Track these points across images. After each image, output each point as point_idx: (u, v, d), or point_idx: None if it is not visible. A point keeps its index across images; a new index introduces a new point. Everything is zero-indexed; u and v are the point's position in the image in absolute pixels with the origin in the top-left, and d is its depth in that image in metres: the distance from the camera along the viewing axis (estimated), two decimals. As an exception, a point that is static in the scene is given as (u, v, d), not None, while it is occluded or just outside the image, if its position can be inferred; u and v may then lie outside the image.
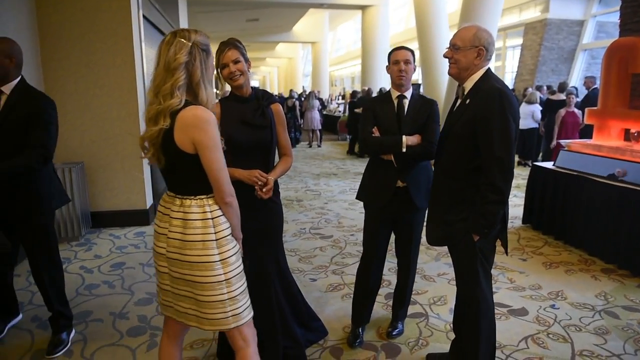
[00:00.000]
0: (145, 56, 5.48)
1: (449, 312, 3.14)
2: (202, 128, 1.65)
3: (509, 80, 17.13)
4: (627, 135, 4.72)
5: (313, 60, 27.30)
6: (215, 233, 1.74)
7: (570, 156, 4.75)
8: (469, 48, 2.06)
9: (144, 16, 5.53)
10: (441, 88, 9.46)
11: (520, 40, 16.00)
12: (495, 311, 3.16)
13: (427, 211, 2.40)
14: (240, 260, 1.84)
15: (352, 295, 2.94)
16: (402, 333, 2.90)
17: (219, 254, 1.74)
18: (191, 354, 2.69)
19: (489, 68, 2.12)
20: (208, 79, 1.76)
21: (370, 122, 2.65)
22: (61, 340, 2.75)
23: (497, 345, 2.69)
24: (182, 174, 1.76)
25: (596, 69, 12.67)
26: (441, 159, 2.22)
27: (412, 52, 2.64)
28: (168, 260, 1.77)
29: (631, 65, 4.56)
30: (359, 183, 2.84)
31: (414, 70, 2.64)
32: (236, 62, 2.22)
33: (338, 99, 19.57)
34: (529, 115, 8.89)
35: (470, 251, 2.11)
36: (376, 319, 3.07)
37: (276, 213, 2.45)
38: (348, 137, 11.74)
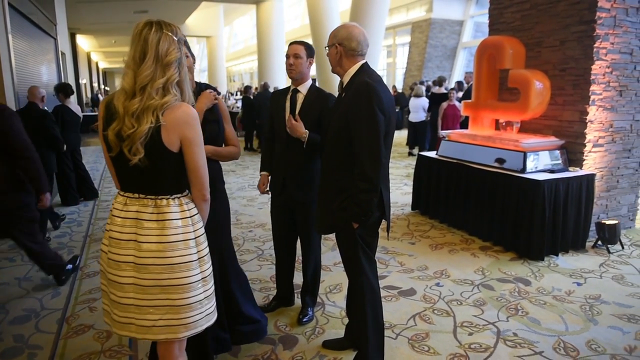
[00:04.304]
0: (14, 49, 4.97)
1: (343, 299, 3.25)
2: (192, 125, 1.67)
3: (399, 75, 18.11)
4: (497, 125, 5.23)
5: (209, 55, 26.59)
6: (194, 232, 1.73)
7: (450, 145, 5.15)
8: (331, 46, 2.25)
9: (10, 5, 5.01)
10: (334, 84, 9.76)
11: (409, 38, 16.99)
12: (387, 293, 3.36)
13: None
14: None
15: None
16: (312, 319, 2.97)
17: (197, 252, 1.73)
18: (76, 369, 2.51)
19: (365, 63, 2.23)
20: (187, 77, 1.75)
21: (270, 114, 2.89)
22: None
23: (388, 325, 2.86)
24: (161, 173, 1.68)
25: (474, 65, 13.90)
26: (325, 150, 2.30)
27: (305, 46, 2.70)
28: (138, 268, 1.66)
29: (498, 61, 5.03)
30: (257, 180, 2.91)
31: (310, 64, 2.72)
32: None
33: (236, 95, 19.12)
34: (420, 108, 9.41)
35: (351, 238, 2.21)
36: (273, 313, 3.10)
37: (224, 201, 2.46)
38: (243, 132, 11.46)
